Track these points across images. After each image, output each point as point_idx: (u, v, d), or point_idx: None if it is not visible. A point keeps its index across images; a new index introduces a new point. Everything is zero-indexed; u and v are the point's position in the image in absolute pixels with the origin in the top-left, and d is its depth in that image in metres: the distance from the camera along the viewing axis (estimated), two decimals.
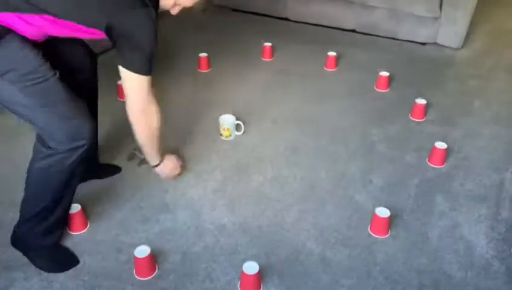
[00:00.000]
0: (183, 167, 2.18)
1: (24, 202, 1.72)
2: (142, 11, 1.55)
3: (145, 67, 1.62)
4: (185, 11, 1.78)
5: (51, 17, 1.51)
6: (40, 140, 1.62)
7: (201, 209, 2.06)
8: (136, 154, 2.08)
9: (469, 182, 2.24)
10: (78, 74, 1.88)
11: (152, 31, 1.59)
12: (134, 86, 1.67)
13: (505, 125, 2.66)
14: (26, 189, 1.70)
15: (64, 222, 1.84)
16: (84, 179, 2.04)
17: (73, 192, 1.75)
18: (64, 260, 1.81)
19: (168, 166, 2.03)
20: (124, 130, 2.56)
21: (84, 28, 1.57)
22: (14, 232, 1.79)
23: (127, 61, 1.61)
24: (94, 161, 2.17)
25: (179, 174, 2.15)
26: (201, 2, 1.77)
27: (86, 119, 1.63)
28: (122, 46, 1.59)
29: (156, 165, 1.98)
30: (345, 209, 2.07)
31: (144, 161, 2.04)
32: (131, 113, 1.73)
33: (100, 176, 2.21)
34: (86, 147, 1.62)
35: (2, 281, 1.72)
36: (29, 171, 1.67)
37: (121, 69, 1.64)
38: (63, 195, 1.70)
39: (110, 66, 3.19)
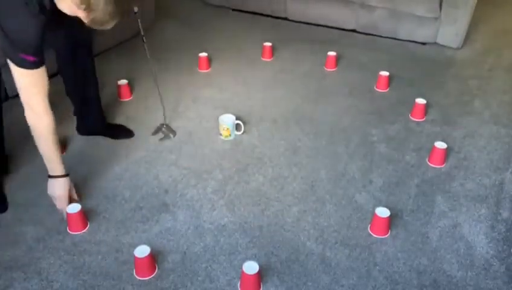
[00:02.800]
0: (64, 204, 1.94)
1: None
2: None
3: (9, 53, 1.66)
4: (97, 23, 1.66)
5: None
6: None
7: (201, 209, 2.06)
8: (162, 129, 2.45)
9: (469, 182, 2.24)
10: None
11: (24, 21, 1.61)
12: (14, 75, 1.72)
13: (505, 125, 2.66)
14: None
15: None
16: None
17: None
18: None
19: (53, 187, 1.92)
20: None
21: None
22: None
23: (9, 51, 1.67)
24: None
25: (60, 207, 1.95)
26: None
27: None
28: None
29: (56, 176, 1.91)
30: (345, 209, 2.07)
31: (166, 137, 2.42)
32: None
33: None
34: None
35: (2, 281, 1.72)
36: None
37: (9, 63, 1.70)
38: None
39: (110, 66, 3.19)
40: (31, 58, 1.66)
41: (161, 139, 2.43)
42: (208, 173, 2.26)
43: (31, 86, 1.72)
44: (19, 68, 1.68)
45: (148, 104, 2.79)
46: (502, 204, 2.12)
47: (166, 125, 2.48)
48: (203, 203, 2.09)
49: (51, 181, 1.92)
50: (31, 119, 1.79)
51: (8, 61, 1.69)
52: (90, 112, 2.44)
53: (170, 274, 1.77)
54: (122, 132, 2.51)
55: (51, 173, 1.92)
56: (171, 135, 2.46)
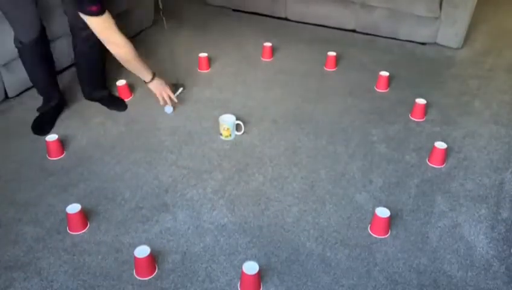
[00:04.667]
0: (171, 91, 2.59)
1: None
2: None
3: (81, 8, 2.14)
4: None
5: None
6: None
7: (201, 209, 2.06)
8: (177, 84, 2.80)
9: (469, 182, 2.24)
10: None
11: None
12: (93, 26, 2.21)
13: (505, 125, 2.66)
14: None
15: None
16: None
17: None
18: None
19: (159, 85, 2.54)
20: (126, 129, 2.57)
21: None
22: None
23: (79, 6, 2.14)
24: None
25: (169, 96, 2.58)
26: None
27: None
28: None
29: (149, 82, 2.50)
30: (345, 209, 2.07)
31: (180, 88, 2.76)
32: (99, 38, 2.26)
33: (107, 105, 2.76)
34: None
35: (2, 281, 1.72)
36: None
37: (81, 15, 2.17)
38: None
39: (110, 66, 3.19)
40: (94, 8, 2.12)
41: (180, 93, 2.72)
42: (208, 173, 2.27)
43: (105, 28, 2.21)
44: (92, 17, 2.15)
45: (148, 104, 2.79)
46: (502, 204, 2.12)
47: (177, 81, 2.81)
48: (203, 203, 2.09)
49: (152, 85, 2.52)
50: (116, 51, 2.29)
51: (83, 16, 2.16)
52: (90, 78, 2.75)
53: (170, 274, 1.77)
54: (116, 104, 2.76)
55: (147, 80, 2.50)
56: (182, 88, 2.79)
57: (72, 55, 2.68)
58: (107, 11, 2.16)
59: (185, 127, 2.60)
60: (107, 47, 2.28)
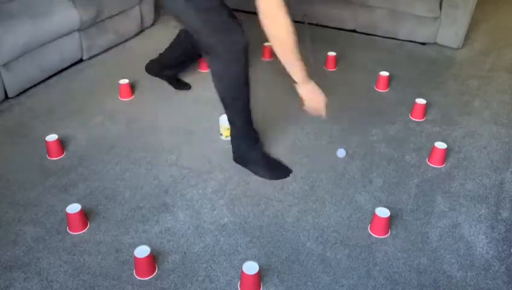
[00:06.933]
0: (327, 106, 2.08)
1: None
2: None
3: None
4: None
5: None
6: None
7: (201, 209, 2.06)
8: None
9: (469, 182, 2.24)
10: None
11: None
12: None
13: (505, 125, 2.66)
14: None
15: (250, 132, 2.25)
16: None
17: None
18: (276, 169, 2.25)
19: (312, 92, 2.03)
20: (126, 129, 2.57)
21: None
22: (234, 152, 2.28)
23: None
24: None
25: (321, 111, 2.09)
26: None
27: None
28: None
29: (301, 83, 2.00)
30: (345, 209, 2.07)
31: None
32: (261, 20, 1.92)
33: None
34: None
35: (2, 281, 1.72)
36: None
37: None
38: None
39: (110, 66, 3.19)
40: None
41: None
42: (208, 173, 2.27)
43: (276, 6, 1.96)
44: None
45: (149, 104, 2.79)
46: (502, 204, 2.12)
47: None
48: (203, 203, 2.09)
49: (303, 89, 2.02)
50: (280, 36, 2.01)
51: None
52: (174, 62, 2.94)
53: (170, 274, 1.77)
54: (182, 85, 2.97)
55: (298, 80, 1.99)
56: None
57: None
58: None
59: (185, 127, 2.60)
60: (269, 31, 1.96)
